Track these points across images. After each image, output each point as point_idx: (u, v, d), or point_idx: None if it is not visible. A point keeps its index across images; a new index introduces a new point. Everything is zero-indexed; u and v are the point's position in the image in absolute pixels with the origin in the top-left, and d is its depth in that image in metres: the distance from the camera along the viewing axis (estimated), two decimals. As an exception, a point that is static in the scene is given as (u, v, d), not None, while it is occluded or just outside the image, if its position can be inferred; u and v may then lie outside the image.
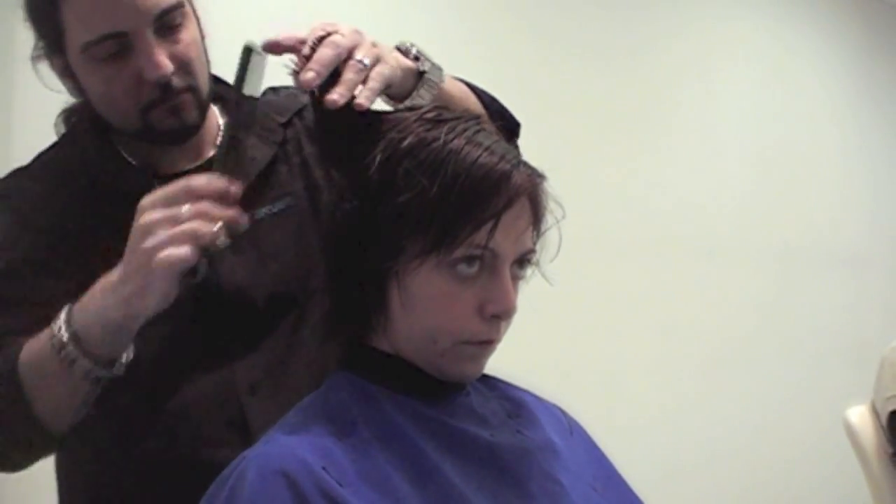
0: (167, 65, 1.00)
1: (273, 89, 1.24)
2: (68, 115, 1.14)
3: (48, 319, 0.93)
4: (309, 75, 0.87)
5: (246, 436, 1.02)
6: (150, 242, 0.85)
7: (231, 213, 0.89)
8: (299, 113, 1.19)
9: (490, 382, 0.98)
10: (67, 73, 1.05)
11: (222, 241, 0.88)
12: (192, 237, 0.85)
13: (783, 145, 3.43)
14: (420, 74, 1.00)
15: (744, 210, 3.26)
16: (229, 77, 0.97)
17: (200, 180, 0.89)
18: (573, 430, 0.99)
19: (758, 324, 3.25)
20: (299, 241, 1.11)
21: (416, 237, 0.83)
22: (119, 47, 0.99)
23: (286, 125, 1.17)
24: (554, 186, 0.90)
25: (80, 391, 0.93)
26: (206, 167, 1.09)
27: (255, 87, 0.92)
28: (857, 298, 3.59)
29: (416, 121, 0.86)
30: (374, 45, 0.93)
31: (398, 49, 1.00)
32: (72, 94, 1.08)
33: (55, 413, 0.95)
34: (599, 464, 0.98)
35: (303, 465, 0.77)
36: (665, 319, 2.97)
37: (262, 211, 1.10)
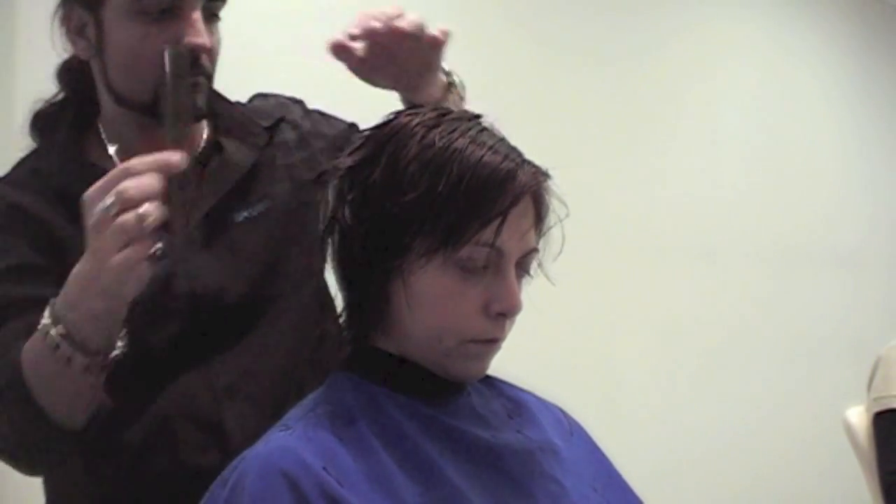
0: (207, 39, 1.01)
1: (263, 95, 1.25)
2: (35, 120, 1.12)
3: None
4: None
5: (222, 439, 1.03)
6: (98, 244, 0.83)
7: (155, 195, 0.82)
8: (289, 121, 1.20)
9: (491, 383, 0.98)
10: (91, 28, 1.02)
11: (154, 218, 0.81)
12: (132, 234, 0.81)
13: (782, 145, 3.43)
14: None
15: (743, 209, 3.26)
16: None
17: (137, 161, 0.83)
18: (573, 430, 1.00)
19: (756, 323, 3.25)
20: (275, 245, 1.11)
21: (422, 236, 0.83)
22: (169, 4, 0.99)
23: (271, 129, 1.17)
24: (554, 188, 0.90)
25: (86, 385, 0.90)
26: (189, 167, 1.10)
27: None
28: (856, 298, 3.59)
29: (419, 123, 0.86)
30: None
31: None
32: (80, 53, 1.06)
33: (68, 410, 0.93)
34: (600, 464, 0.98)
35: (303, 465, 0.77)
36: (664, 319, 2.97)
37: (242, 214, 1.10)
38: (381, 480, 0.79)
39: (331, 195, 0.89)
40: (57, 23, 1.05)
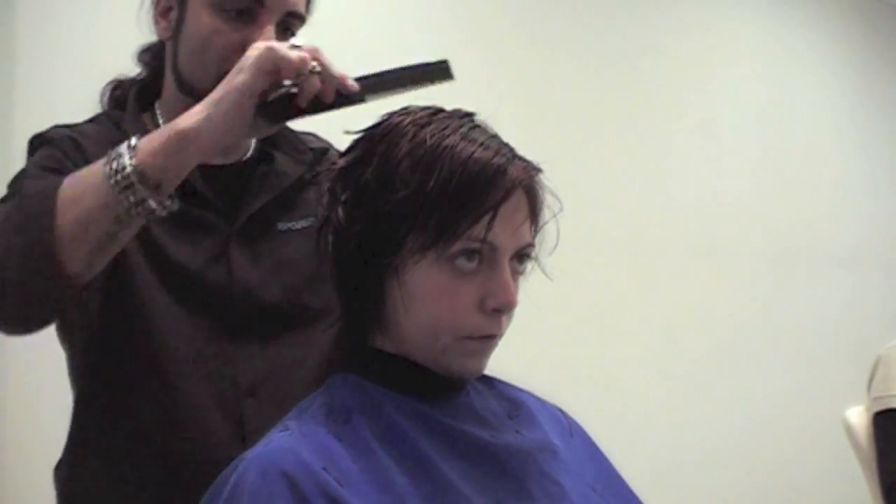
0: None
1: (314, 135, 1.29)
2: (115, 87, 1.19)
3: None
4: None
5: (240, 434, 1.05)
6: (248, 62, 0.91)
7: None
8: (324, 152, 1.24)
9: (490, 383, 0.98)
10: (175, 11, 1.09)
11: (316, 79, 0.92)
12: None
13: (782, 145, 3.43)
14: None
15: (743, 209, 3.26)
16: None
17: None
18: (573, 430, 1.00)
19: (756, 323, 3.25)
20: (313, 260, 1.11)
21: (414, 233, 0.83)
22: (248, 6, 1.04)
23: (315, 150, 1.22)
24: (553, 186, 0.91)
25: (109, 216, 0.90)
26: (240, 164, 1.16)
27: None
28: (856, 298, 3.59)
29: (410, 122, 0.87)
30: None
31: None
32: (160, 34, 1.13)
33: (74, 235, 0.90)
34: (599, 465, 0.98)
35: (303, 465, 0.77)
36: (664, 318, 2.97)
37: (287, 225, 1.15)
38: (381, 480, 0.79)
39: (325, 197, 0.90)
40: (148, 4, 1.13)
